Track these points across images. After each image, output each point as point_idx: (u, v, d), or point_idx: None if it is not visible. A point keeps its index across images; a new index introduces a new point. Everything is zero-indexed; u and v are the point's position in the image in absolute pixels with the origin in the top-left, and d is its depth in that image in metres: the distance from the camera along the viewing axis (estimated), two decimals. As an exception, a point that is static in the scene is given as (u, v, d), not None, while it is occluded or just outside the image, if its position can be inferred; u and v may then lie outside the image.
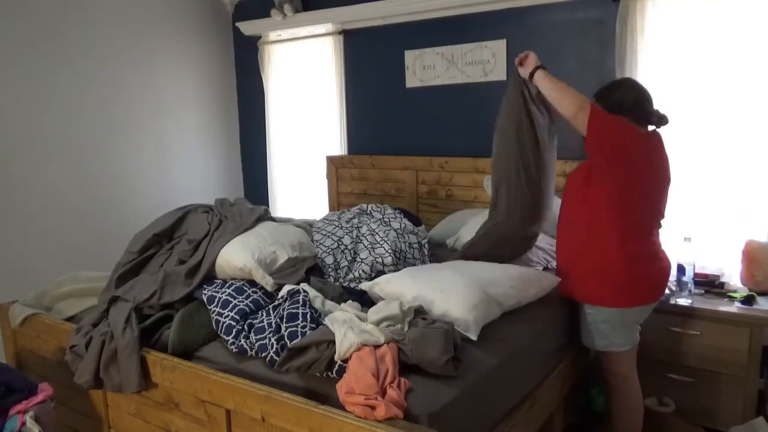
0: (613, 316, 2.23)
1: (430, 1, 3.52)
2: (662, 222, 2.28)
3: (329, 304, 2.03)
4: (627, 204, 2.16)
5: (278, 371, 1.75)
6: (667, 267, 2.30)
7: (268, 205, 4.52)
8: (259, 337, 1.87)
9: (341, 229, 2.73)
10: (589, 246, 2.23)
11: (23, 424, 1.78)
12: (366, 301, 2.15)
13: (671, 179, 2.25)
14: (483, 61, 3.49)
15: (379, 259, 2.51)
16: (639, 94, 2.21)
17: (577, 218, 2.28)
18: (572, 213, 2.31)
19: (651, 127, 2.24)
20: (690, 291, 2.64)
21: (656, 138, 2.24)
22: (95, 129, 3.76)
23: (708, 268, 2.80)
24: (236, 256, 2.18)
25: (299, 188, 4.54)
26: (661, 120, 2.22)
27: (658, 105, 2.23)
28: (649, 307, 2.30)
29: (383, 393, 1.52)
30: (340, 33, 4.05)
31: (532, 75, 2.28)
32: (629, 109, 2.16)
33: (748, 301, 2.57)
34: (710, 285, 2.74)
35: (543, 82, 2.25)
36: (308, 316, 1.88)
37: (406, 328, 1.80)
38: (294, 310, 1.91)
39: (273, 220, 2.60)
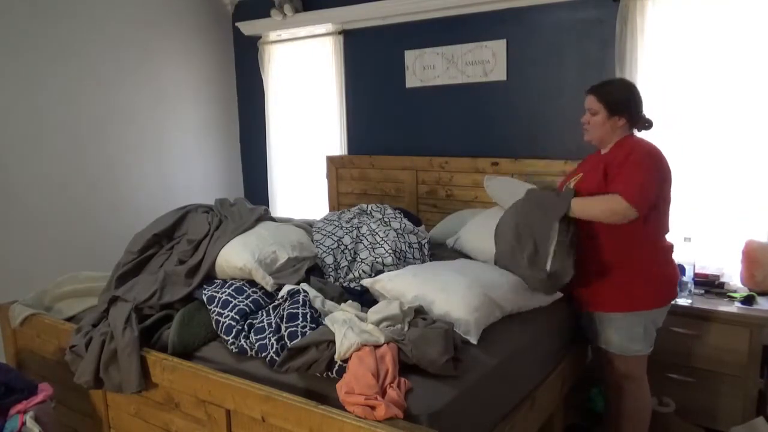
0: (643, 318, 2.20)
1: (430, 1, 3.52)
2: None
3: (329, 304, 2.03)
4: (659, 211, 2.15)
5: (278, 371, 1.75)
6: (676, 265, 2.33)
7: (268, 205, 4.52)
8: (259, 337, 1.87)
9: (341, 229, 2.73)
10: (620, 255, 2.17)
11: (23, 424, 1.78)
12: (366, 301, 2.15)
13: None
14: (483, 61, 3.49)
15: (379, 259, 2.50)
16: (637, 98, 2.21)
17: (598, 229, 2.17)
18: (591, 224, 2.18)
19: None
20: (690, 291, 2.64)
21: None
22: (95, 129, 3.76)
23: (708, 268, 2.80)
24: (236, 256, 2.18)
25: (299, 188, 4.53)
26: (647, 124, 2.23)
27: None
28: (668, 307, 2.30)
29: (383, 393, 1.52)
30: (340, 33, 4.05)
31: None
32: (631, 113, 2.15)
33: (748, 301, 2.57)
34: (710, 285, 2.74)
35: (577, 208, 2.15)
36: (308, 316, 1.88)
37: (406, 328, 1.80)
38: (294, 310, 1.91)
39: (273, 220, 2.60)
